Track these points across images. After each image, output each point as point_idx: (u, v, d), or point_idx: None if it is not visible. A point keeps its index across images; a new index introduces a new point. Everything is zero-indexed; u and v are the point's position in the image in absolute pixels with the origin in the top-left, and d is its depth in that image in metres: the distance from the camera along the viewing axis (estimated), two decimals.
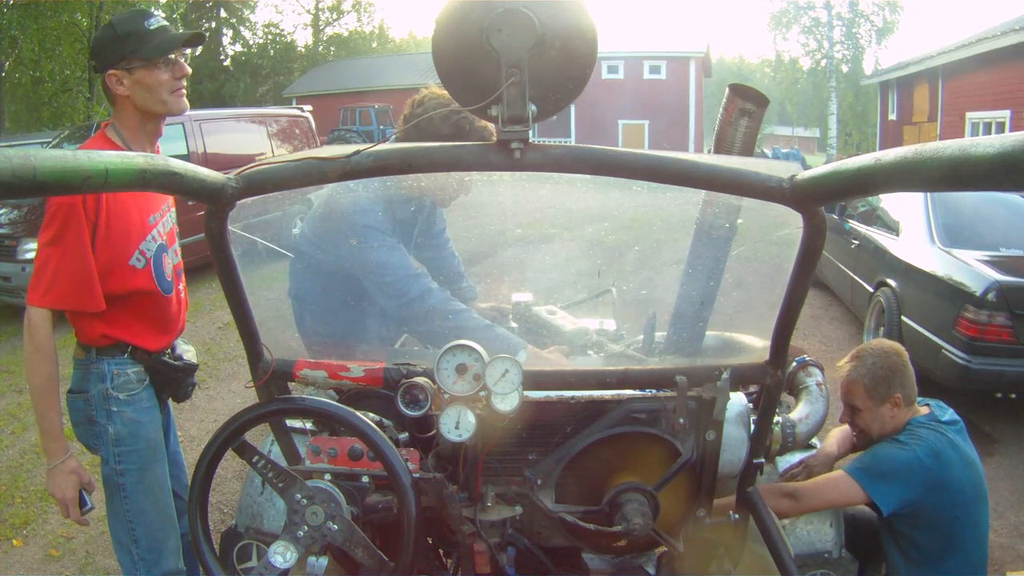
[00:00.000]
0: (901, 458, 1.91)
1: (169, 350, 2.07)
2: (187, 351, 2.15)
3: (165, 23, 1.90)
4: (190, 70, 1.95)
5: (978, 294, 4.26)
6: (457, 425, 1.37)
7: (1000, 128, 14.49)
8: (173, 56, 1.89)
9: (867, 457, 1.97)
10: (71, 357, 2.00)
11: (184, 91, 1.95)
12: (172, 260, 2.05)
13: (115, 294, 1.88)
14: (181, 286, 2.11)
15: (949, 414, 2.05)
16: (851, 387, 2.02)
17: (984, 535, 2.00)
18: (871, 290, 5.58)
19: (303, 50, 41.04)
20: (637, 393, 1.55)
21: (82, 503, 1.91)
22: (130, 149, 1.91)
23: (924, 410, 2.05)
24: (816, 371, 1.96)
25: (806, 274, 1.31)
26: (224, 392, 5.19)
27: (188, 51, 1.97)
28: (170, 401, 2.19)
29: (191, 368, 2.11)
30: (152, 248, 1.95)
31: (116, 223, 1.86)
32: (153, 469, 2.01)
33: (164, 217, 2.03)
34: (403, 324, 2.16)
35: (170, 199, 2.09)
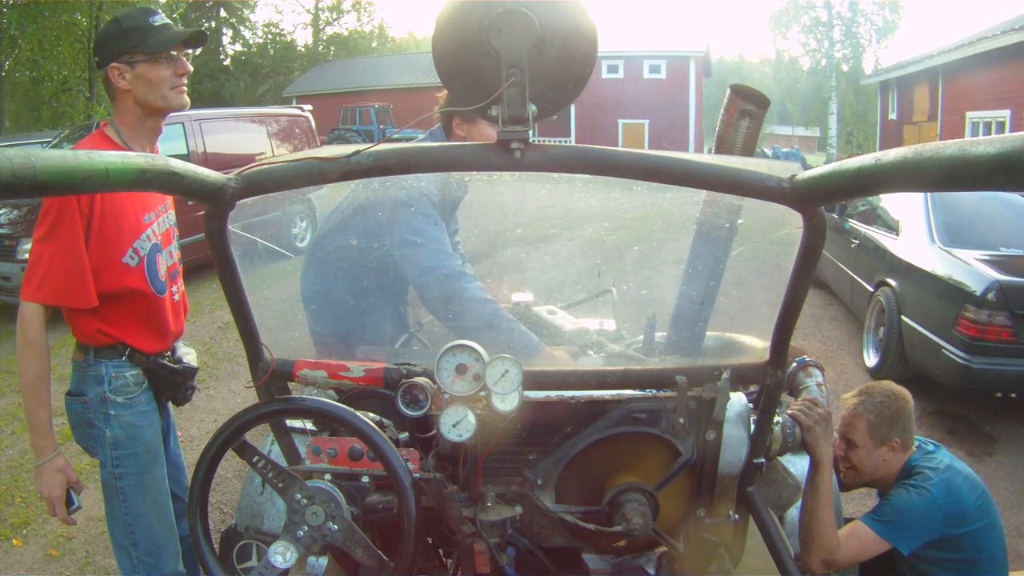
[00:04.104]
0: (919, 504, 1.89)
1: (169, 353, 2.06)
2: (188, 354, 2.14)
3: (168, 21, 1.91)
4: (191, 68, 1.96)
5: (978, 294, 4.26)
6: (457, 425, 1.37)
7: (1000, 128, 14.48)
8: (176, 53, 1.90)
9: (886, 508, 1.94)
10: (71, 358, 2.00)
11: (185, 88, 1.95)
12: (167, 261, 2.03)
13: (108, 292, 1.87)
14: (175, 288, 2.09)
15: (929, 443, 2.07)
16: (854, 421, 2.00)
17: (1001, 531, 2.01)
18: (871, 290, 5.58)
19: (303, 50, 41.08)
20: (637, 393, 1.55)
21: (69, 502, 1.89)
22: (128, 147, 1.91)
23: (912, 448, 2.04)
24: (816, 371, 1.96)
25: (806, 274, 1.31)
26: (224, 392, 5.18)
27: (189, 51, 1.98)
28: (170, 404, 2.18)
29: (190, 371, 2.10)
30: (146, 247, 1.94)
31: (110, 219, 1.85)
32: (151, 473, 2.00)
33: (160, 217, 2.02)
34: (429, 303, 2.11)
35: (168, 200, 2.08)
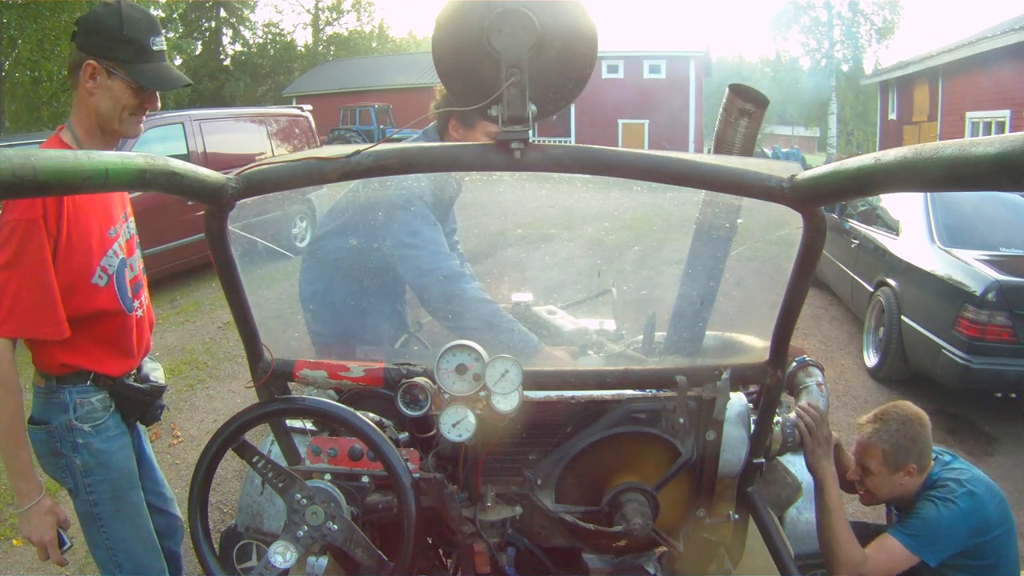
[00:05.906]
0: (948, 517, 1.90)
1: (135, 371, 1.96)
2: (155, 370, 2.04)
3: (164, 48, 1.81)
4: (159, 106, 1.87)
5: (978, 294, 4.27)
6: (457, 425, 1.37)
7: (1000, 128, 14.49)
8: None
9: (915, 522, 1.94)
10: (31, 383, 1.86)
11: (143, 119, 1.86)
12: (129, 274, 1.92)
13: (78, 316, 1.75)
14: (139, 302, 1.96)
15: (946, 454, 2.07)
16: (869, 450, 1.99)
17: (1015, 534, 2.01)
18: (871, 290, 5.59)
19: (303, 50, 41.09)
20: (637, 393, 1.55)
21: (61, 542, 1.81)
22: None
23: (931, 465, 2.03)
24: (816, 371, 1.96)
25: (806, 274, 1.31)
26: (224, 392, 5.18)
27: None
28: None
29: (158, 390, 2.00)
30: (114, 264, 1.83)
31: (77, 238, 1.72)
32: (128, 497, 1.93)
33: (123, 228, 1.91)
34: (428, 304, 2.09)
35: (128, 208, 1.99)
